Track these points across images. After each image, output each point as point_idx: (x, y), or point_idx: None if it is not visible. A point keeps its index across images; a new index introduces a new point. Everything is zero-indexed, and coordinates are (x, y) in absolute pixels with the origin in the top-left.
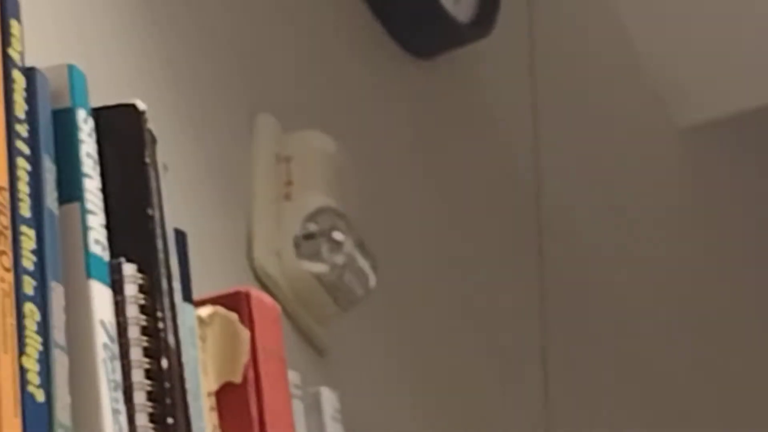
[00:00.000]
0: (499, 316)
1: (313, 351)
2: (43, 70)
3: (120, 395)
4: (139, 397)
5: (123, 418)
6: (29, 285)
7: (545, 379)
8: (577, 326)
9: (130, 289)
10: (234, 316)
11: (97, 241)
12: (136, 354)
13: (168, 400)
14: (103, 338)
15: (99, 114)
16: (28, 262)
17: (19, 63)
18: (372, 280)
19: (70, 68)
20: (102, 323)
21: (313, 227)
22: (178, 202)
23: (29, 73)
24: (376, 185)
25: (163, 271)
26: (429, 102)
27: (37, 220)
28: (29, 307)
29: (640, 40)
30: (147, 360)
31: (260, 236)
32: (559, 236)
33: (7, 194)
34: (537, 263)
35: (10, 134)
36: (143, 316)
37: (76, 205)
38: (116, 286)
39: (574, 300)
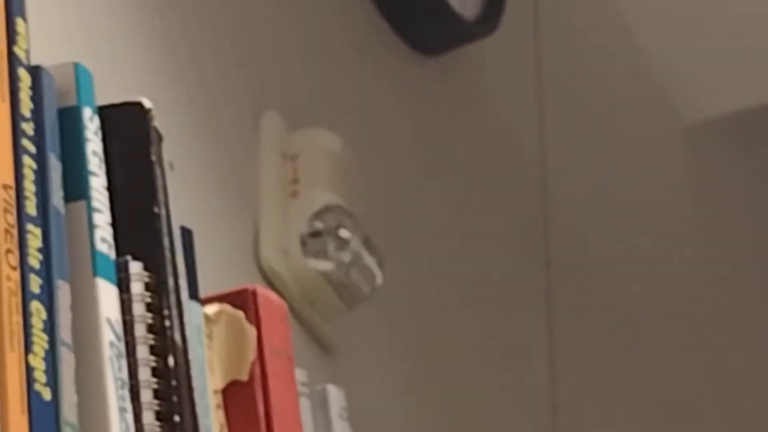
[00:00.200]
0: (506, 313)
1: (319, 349)
2: (49, 68)
3: (126, 393)
4: (146, 395)
5: (130, 416)
6: (35, 283)
7: (552, 377)
8: (583, 324)
9: (137, 287)
10: (240, 313)
11: (103, 239)
12: (142, 352)
13: (174, 398)
14: (109, 336)
15: (105, 112)
16: (34, 260)
17: (24, 61)
18: (378, 278)
19: (76, 66)
20: (108, 321)
21: (319, 225)
22: (185, 200)
23: (35, 71)
24: (382, 183)
25: (169, 269)
26: (435, 100)
27: (43, 219)
28: (35, 306)
29: (646, 37)
30: (153, 358)
31: (267, 234)
32: (565, 233)
33: (13, 192)
34: (543, 261)
35: (16, 132)
36: (149, 314)
37: (82, 204)
38: (122, 284)
39: (580, 296)
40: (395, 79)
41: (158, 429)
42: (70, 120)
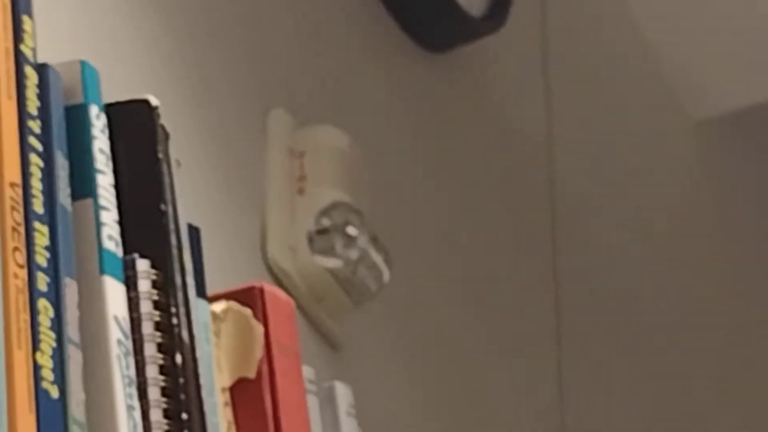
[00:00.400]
0: (514, 310)
1: (327, 346)
2: (56, 66)
3: (134, 391)
4: (154, 393)
5: (137, 414)
6: (42, 281)
7: (560, 374)
8: (592, 320)
9: (144, 285)
10: (248, 311)
11: (110, 237)
12: (150, 350)
13: (182, 396)
14: (116, 334)
15: (111, 110)
16: (42, 258)
17: (31, 59)
18: (386, 275)
19: (83, 64)
20: (116, 319)
21: (326, 222)
22: (192, 197)
23: (41, 69)
24: (389, 180)
25: (176, 266)
26: (442, 97)
27: (50, 217)
28: (43, 304)
29: (654, 33)
30: (161, 356)
31: (274, 231)
32: (573, 230)
33: (20, 190)
34: (551, 257)
35: (23, 130)
36: (157, 312)
37: (89, 201)
38: (130, 281)
39: (588, 293)
40: (402, 76)
41: (166, 427)
42: (76, 118)
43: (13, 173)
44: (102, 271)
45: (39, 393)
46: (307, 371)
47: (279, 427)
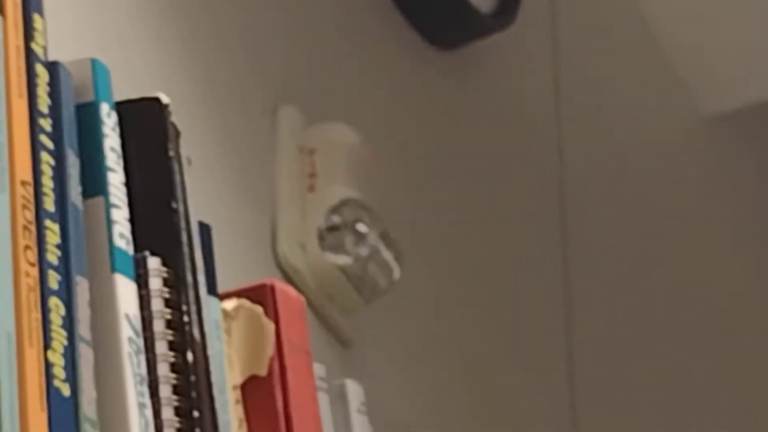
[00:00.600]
0: (525, 308)
1: (337, 343)
2: (66, 64)
3: (145, 389)
4: (165, 391)
5: (149, 412)
6: (54, 279)
7: (571, 369)
8: (603, 317)
9: (155, 283)
10: (259, 309)
11: (121, 235)
12: (161, 348)
13: (193, 394)
14: (128, 332)
15: (122, 108)
16: (53, 256)
17: (42, 57)
18: (396, 272)
19: (93, 62)
20: (127, 317)
21: (337, 219)
22: (202, 195)
23: (52, 67)
24: (400, 177)
25: (187, 264)
26: (452, 94)
27: (62, 215)
28: (54, 302)
29: (665, 27)
30: (172, 354)
31: (284, 228)
32: (583, 227)
33: (31, 189)
34: (561, 255)
35: (34, 129)
36: (168, 310)
37: (100, 199)
38: (141, 279)
39: (599, 289)
40: (412, 73)
41: (177, 424)
42: (87, 116)
43: (25, 171)
44: (113, 269)
45: (50, 391)
46: (318, 369)
47: (290, 425)
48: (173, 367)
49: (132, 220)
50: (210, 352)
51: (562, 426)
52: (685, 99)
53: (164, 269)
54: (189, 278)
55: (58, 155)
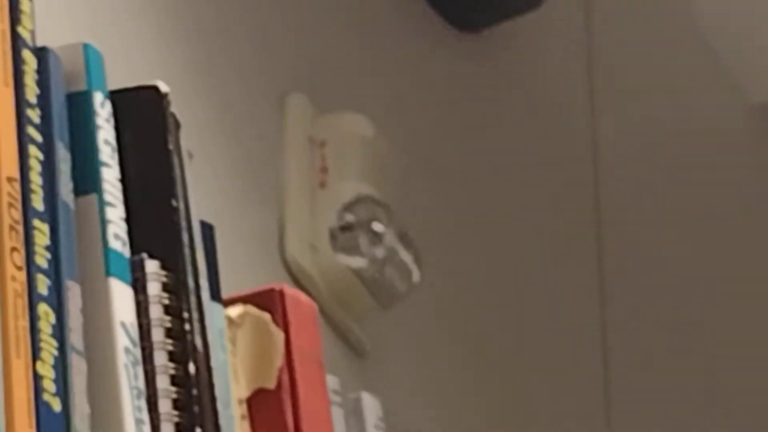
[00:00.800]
0: (555, 313)
1: (352, 353)
2: (56, 49)
3: (143, 404)
4: (165, 406)
5: (147, 429)
6: (43, 284)
7: (606, 381)
8: (638, 322)
9: (153, 288)
10: (266, 316)
11: (116, 236)
12: (160, 359)
13: (196, 409)
14: (124, 342)
15: (117, 97)
16: (42, 259)
17: (29, 42)
18: (415, 275)
19: (86, 47)
20: (123, 325)
21: (350, 218)
22: (204, 192)
23: (41, 53)
24: (420, 171)
25: (189, 267)
26: (476, 81)
27: (51, 214)
28: (43, 309)
29: (708, 11)
30: (172, 365)
31: (293, 228)
32: (619, 222)
33: (18, 185)
34: (595, 254)
35: (21, 120)
36: (168, 317)
37: (93, 197)
38: (138, 284)
39: (635, 289)
40: (433, 58)
41: None
42: (79, 106)
43: (11, 167)
44: (108, 273)
45: (40, 406)
46: (332, 381)
47: None
48: (173, 380)
49: (128, 220)
50: (213, 363)
51: None
52: (732, 87)
53: (163, 273)
54: (190, 283)
55: (48, 149)
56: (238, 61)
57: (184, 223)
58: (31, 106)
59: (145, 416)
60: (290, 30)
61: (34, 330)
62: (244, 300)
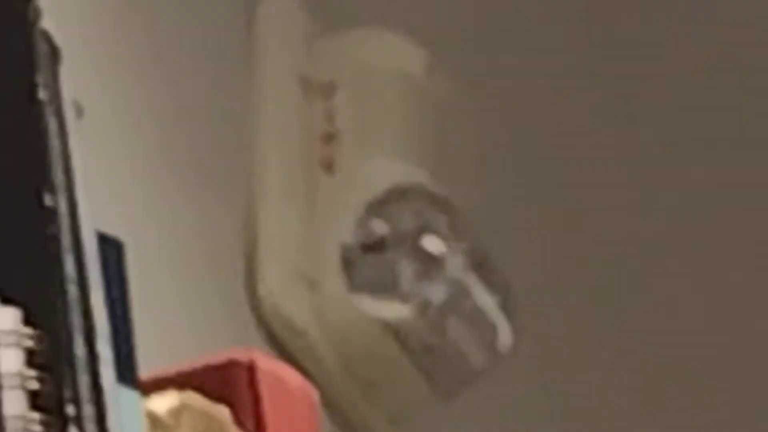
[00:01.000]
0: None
1: None
2: None
3: None
4: None
5: None
6: None
7: None
8: None
9: (9, 360)
10: (222, 412)
11: None
12: None
13: None
14: None
15: None
16: None
17: None
18: (505, 335)
19: None
20: None
21: (380, 227)
22: (110, 180)
23: None
24: (511, 145)
25: (74, 321)
26: None
27: None
28: None
29: None
30: None
31: (272, 247)
32: None
33: None
34: None
35: None
36: (36, 415)
37: None
38: None
39: None
40: None
41: None
42: None
43: None
44: None
45: None
46: None
47: None
48: None
49: None
50: None
51: None
52: None
53: (27, 331)
54: (77, 351)
55: None
56: None
57: (67, 240)
58: None
59: None
60: None
61: None
62: (183, 381)
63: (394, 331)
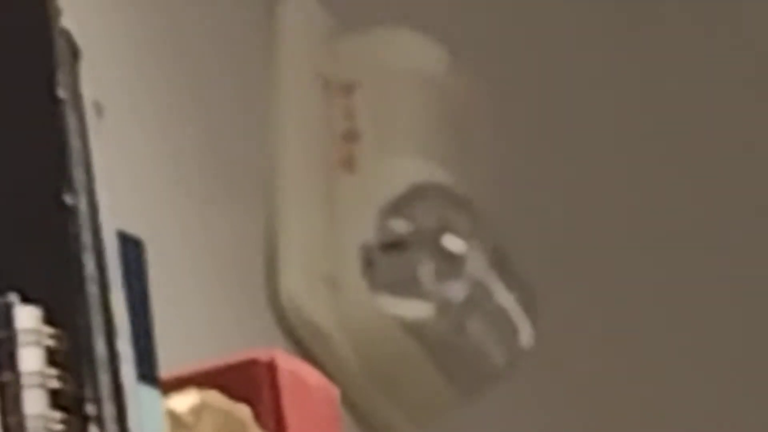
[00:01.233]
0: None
1: None
2: None
3: None
4: None
5: None
6: None
7: None
8: None
9: (30, 359)
10: (243, 411)
11: None
12: None
13: None
14: None
15: None
16: None
17: None
18: (525, 334)
19: None
20: None
21: (401, 227)
22: (130, 180)
23: None
24: (532, 144)
25: (95, 320)
26: None
27: None
28: None
29: None
30: None
31: (294, 248)
32: None
33: None
34: None
35: None
36: (57, 415)
37: None
38: (1, 350)
39: None
40: None
41: None
42: None
43: None
44: None
45: None
46: None
47: None
48: None
49: None
50: None
51: None
52: None
53: (48, 330)
54: (98, 349)
55: None
56: None
57: (87, 239)
58: None
59: None
60: None
61: None
62: (203, 380)
63: (415, 330)
